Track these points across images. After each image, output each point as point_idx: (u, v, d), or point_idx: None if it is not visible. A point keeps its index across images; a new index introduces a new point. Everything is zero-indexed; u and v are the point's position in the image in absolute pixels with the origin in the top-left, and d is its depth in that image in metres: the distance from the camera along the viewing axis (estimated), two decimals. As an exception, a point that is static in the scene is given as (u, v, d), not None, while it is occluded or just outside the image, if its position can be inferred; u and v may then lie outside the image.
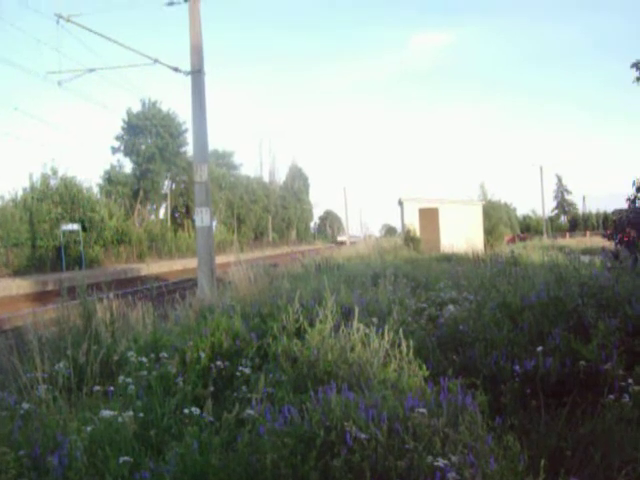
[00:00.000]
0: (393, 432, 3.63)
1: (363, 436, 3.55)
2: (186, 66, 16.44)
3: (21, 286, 31.65)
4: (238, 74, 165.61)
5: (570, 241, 56.99)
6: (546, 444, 4.37)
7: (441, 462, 3.34)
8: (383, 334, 5.64)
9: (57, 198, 47.05)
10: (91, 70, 18.10)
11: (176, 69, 16.83)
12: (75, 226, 44.38)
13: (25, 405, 4.80)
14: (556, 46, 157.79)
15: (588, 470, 4.04)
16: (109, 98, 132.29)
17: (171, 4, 16.07)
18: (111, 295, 8.25)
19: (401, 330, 5.67)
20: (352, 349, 5.58)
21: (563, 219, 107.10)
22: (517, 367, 5.38)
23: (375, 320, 6.57)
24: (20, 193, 46.86)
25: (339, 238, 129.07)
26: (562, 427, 4.57)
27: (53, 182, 48.68)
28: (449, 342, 6.67)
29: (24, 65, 79.28)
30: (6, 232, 40.74)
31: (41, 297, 26.61)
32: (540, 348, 5.50)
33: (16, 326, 11.37)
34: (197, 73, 16.10)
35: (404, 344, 5.41)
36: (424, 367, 5.39)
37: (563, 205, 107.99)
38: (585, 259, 10.19)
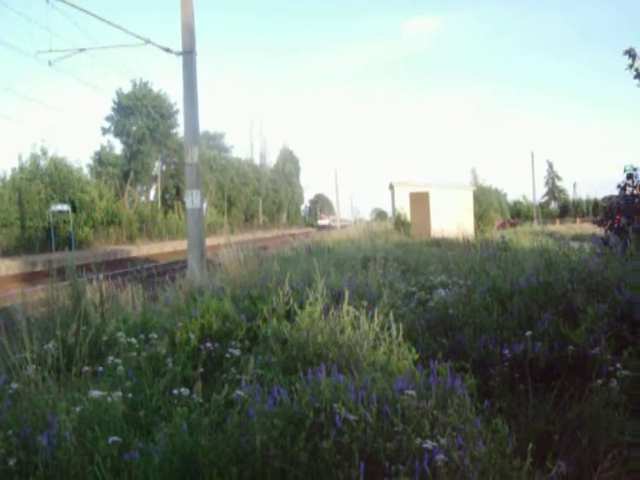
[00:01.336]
0: (382, 414, 3.64)
1: (352, 418, 3.56)
2: (178, 47, 16.37)
3: (10, 267, 31.54)
4: (230, 55, 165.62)
5: (560, 227, 57.24)
6: (534, 428, 4.40)
7: (430, 444, 3.36)
8: (373, 317, 5.65)
9: (47, 179, 46.82)
10: (82, 50, 18.03)
11: (167, 49, 16.76)
12: (65, 207, 44.21)
13: (14, 385, 4.77)
14: (547, 33, 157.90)
15: (575, 454, 4.08)
16: (100, 78, 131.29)
17: (163, -17, 15.95)
18: (101, 276, 8.23)
19: (391, 313, 5.69)
20: (342, 331, 5.59)
21: (554, 205, 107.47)
22: (506, 351, 5.40)
23: (365, 303, 6.57)
24: (9, 173, 46.63)
25: (320, 222, 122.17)
26: (550, 411, 4.60)
27: (43, 162, 48.44)
28: (439, 326, 6.70)
29: (14, 44, 78.52)
30: (-5, 212, 40.58)
31: (30, 278, 26.52)
32: (529, 333, 5.51)
33: (5, 306, 11.32)
34: (188, 54, 16.01)
35: (394, 327, 5.43)
36: (413, 350, 5.41)
37: (554, 191, 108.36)
38: (575, 245, 10.20)
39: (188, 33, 16.08)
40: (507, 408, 4.62)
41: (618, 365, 4.81)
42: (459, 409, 3.76)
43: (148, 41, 17.27)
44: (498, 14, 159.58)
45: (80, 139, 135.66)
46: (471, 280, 8.11)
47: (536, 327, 5.78)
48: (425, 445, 3.36)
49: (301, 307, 6.21)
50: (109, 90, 69.22)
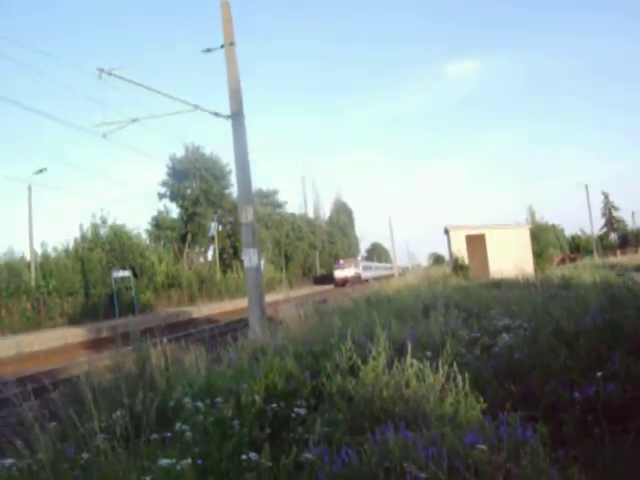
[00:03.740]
0: (453, 470, 3.57)
1: (423, 476, 3.49)
2: (226, 109, 16.71)
3: (76, 334, 32.11)
4: (278, 112, 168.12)
5: (622, 258, 55.96)
6: (613, 474, 4.25)
7: (505, 499, 3.28)
8: (437, 368, 5.58)
9: (107, 246, 48.07)
10: (134, 120, 18.50)
11: (216, 114, 17.13)
12: (126, 272, 45.15)
13: (84, 455, 4.82)
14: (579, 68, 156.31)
15: (659, 500, 3.93)
16: (152, 145, 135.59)
17: (208, 51, 16.40)
18: (164, 340, 8.30)
19: (455, 363, 5.60)
20: (407, 385, 5.53)
21: (613, 236, 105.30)
22: (577, 394, 5.27)
23: (429, 354, 6.51)
24: (72, 243, 47.88)
25: (339, 273, 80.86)
26: (629, 455, 4.44)
27: (103, 231, 49.73)
28: (505, 371, 6.57)
29: (68, 119, 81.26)
30: (60, 282, 41.58)
31: (95, 344, 26.94)
32: (600, 373, 5.38)
33: (72, 375, 11.51)
34: (237, 116, 16.32)
35: (459, 377, 5.34)
36: (481, 399, 5.30)
37: (612, 222, 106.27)
38: (639, 277, 9.96)
39: (235, 97, 16.41)
40: (583, 455, 4.46)
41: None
42: (532, 460, 3.66)
43: (197, 107, 17.67)
44: (549, 49, 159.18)
45: (137, 206, 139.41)
46: (534, 322, 7.97)
47: (606, 367, 5.64)
48: (500, 500, 3.28)
49: (364, 362, 6.16)
50: (163, 156, 70.96)
